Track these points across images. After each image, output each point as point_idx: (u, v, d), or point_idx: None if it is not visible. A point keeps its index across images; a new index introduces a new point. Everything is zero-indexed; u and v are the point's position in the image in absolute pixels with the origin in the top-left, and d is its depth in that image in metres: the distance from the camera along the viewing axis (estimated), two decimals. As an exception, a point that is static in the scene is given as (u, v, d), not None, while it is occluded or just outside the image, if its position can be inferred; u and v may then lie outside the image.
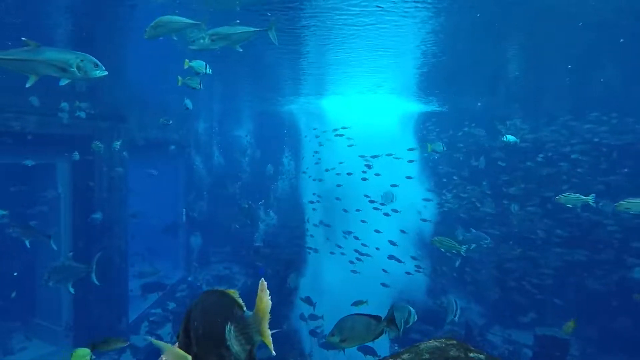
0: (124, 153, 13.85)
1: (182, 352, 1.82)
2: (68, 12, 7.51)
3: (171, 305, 16.93)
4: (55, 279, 9.11)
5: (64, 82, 4.49)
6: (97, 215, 13.24)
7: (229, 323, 1.79)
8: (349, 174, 15.91)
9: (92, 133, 13.05)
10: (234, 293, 1.88)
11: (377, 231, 14.61)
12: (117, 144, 12.43)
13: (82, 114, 11.22)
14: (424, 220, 15.34)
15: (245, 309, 1.86)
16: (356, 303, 9.68)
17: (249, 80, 15.03)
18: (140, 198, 17.89)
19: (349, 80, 14.28)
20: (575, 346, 13.10)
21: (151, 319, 15.97)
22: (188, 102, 10.27)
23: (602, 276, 13.93)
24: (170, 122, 12.71)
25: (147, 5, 7.43)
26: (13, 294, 12.04)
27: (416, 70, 12.76)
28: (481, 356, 2.44)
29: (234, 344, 1.79)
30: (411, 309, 7.62)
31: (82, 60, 4.21)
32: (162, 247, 21.55)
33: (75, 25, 8.51)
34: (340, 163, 16.64)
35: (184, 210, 20.72)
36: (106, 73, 4.31)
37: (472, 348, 2.58)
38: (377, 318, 4.26)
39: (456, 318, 8.65)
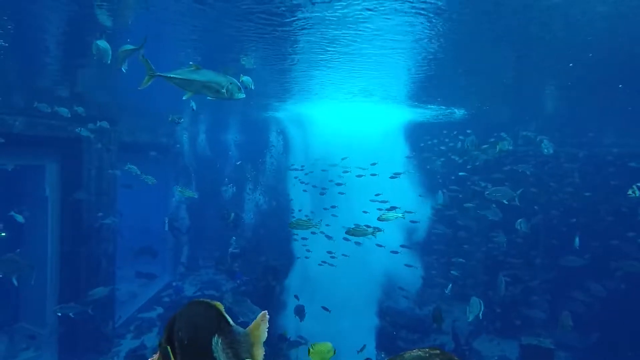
0: (113, 155, 13.76)
1: None
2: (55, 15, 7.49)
3: (158, 309, 16.78)
4: (2, 270, 9.97)
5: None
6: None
7: (216, 335, 1.78)
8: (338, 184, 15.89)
9: (81, 135, 12.93)
10: (220, 306, 1.85)
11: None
12: (99, 145, 12.33)
13: (86, 131, 11.53)
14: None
15: (231, 322, 1.83)
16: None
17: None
18: (129, 201, 17.71)
19: (339, 86, 14.20)
20: (559, 355, 13.24)
21: (138, 323, 15.80)
22: (193, 104, 10.20)
23: (586, 286, 14.10)
24: (182, 120, 12.27)
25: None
26: None
27: (413, 77, 12.63)
28: (464, 366, 2.46)
29: (221, 357, 1.77)
30: (480, 301, 9.02)
31: (230, 84, 4.66)
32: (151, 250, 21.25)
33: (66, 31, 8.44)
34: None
35: (166, 219, 20.36)
36: (244, 96, 4.79)
37: (456, 358, 2.62)
38: None
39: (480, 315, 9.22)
